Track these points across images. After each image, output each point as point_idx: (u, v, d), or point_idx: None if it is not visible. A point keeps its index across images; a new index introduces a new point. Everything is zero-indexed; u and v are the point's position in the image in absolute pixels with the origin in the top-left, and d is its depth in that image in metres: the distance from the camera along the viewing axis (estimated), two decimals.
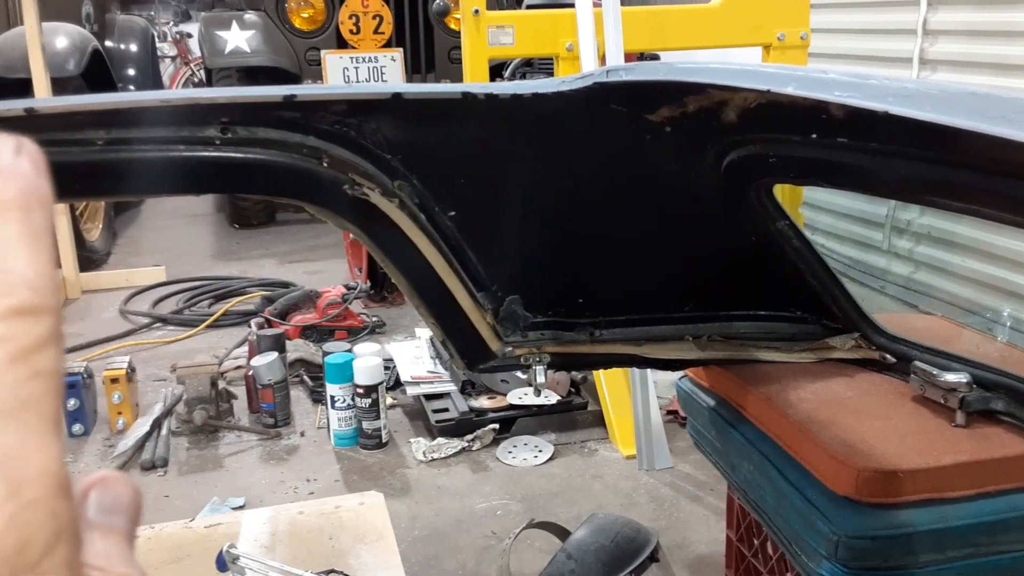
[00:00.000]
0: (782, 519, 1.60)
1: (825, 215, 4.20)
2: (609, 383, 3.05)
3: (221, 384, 3.26)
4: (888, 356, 1.68)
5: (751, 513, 1.86)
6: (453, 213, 1.46)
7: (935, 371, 1.55)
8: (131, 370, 3.26)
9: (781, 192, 1.50)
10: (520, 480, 2.83)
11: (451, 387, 3.22)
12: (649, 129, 1.33)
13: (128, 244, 5.90)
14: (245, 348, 3.60)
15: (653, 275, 1.62)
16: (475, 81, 3.01)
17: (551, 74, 3.44)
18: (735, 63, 1.14)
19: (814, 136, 1.12)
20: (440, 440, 3.01)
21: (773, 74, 0.99)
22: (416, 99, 1.35)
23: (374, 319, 4.12)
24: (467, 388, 3.23)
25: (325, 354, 3.17)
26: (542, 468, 2.90)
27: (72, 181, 1.34)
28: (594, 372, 3.13)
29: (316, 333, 3.92)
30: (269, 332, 3.53)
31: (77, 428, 3.16)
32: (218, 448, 3.11)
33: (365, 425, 3.03)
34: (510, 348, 1.61)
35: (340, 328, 3.96)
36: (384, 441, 3.06)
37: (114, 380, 3.18)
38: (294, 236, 5.77)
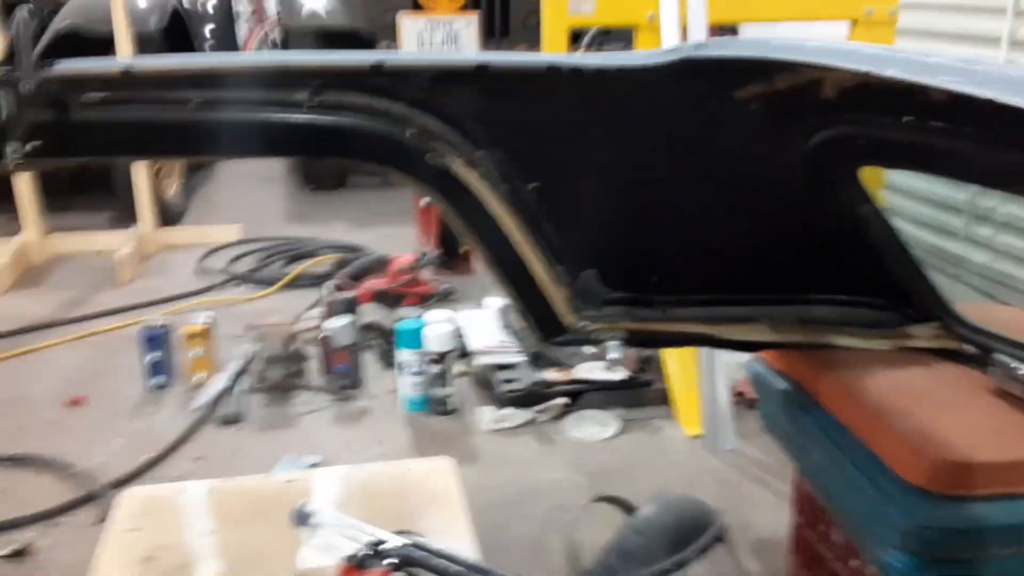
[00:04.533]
0: (852, 506, 1.59)
1: (901, 198, 4.10)
2: (675, 361, 3.04)
3: (295, 345, 3.32)
4: (968, 347, 1.64)
5: (819, 499, 1.84)
6: (533, 185, 1.47)
7: (1016, 364, 1.52)
8: (211, 326, 3.33)
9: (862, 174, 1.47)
10: (585, 454, 2.84)
11: (520, 358, 3.24)
12: (735, 106, 1.31)
13: (203, 203, 6.00)
14: (318, 310, 3.66)
15: (731, 255, 1.60)
16: (553, 50, 2.99)
17: (629, 42, 3.39)
18: (828, 42, 1.12)
19: (908, 119, 1.09)
20: (508, 410, 3.03)
21: (874, 55, 0.97)
22: (501, 71, 1.35)
23: (444, 287, 4.14)
24: (535, 360, 3.24)
25: (397, 320, 3.20)
26: (608, 443, 2.91)
27: (165, 140, 1.38)
28: (660, 350, 3.11)
29: (387, 298, 3.96)
30: (343, 295, 3.58)
31: (159, 380, 3.26)
32: (292, 407, 3.18)
33: (434, 392, 3.07)
34: (585, 322, 1.61)
35: (411, 294, 4.00)
36: (452, 409, 3.09)
37: (193, 336, 3.26)
38: (365, 200, 5.81)
